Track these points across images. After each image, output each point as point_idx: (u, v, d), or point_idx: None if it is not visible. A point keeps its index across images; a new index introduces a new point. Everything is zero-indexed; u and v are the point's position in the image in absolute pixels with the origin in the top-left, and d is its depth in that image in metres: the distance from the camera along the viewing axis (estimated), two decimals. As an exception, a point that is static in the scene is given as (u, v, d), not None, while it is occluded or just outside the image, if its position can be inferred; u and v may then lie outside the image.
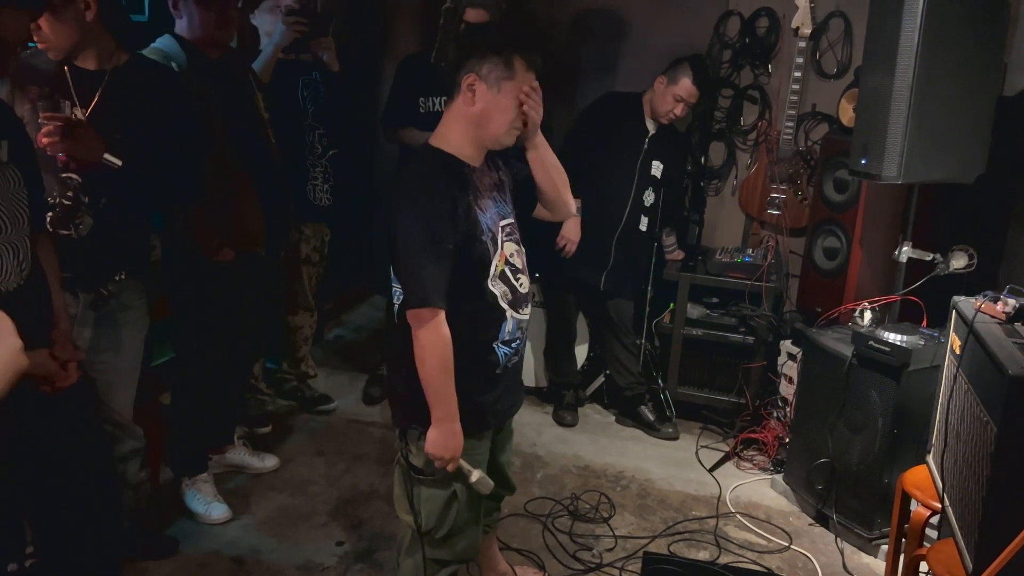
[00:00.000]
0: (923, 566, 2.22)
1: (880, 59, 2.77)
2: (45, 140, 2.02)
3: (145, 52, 2.54)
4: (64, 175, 2.12)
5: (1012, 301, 1.99)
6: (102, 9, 2.13)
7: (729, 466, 3.49)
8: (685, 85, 3.46)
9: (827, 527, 3.04)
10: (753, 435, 3.56)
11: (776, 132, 3.99)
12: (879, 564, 2.84)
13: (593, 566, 2.77)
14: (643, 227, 3.67)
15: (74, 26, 2.11)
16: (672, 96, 3.48)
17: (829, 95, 3.90)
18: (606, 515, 3.06)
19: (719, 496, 3.24)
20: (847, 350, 2.91)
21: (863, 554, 2.91)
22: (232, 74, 2.72)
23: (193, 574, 2.59)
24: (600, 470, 3.40)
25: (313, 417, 3.68)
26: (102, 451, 2.25)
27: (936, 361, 2.65)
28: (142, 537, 2.64)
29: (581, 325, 3.92)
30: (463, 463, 1.99)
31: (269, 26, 3.11)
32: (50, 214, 2.11)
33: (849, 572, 2.82)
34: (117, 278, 2.29)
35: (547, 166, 2.11)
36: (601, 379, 4.02)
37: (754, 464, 3.48)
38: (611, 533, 2.95)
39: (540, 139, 2.06)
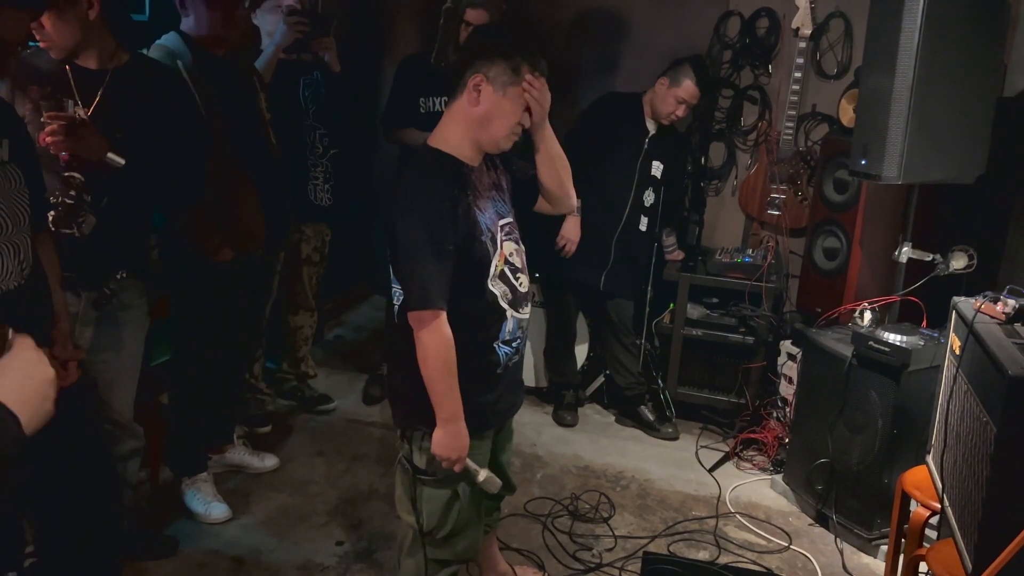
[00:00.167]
0: (923, 566, 2.22)
1: (880, 59, 2.77)
2: (48, 139, 2.02)
3: (150, 49, 2.55)
4: (66, 174, 2.12)
5: (1012, 302, 1.99)
6: (104, 8, 2.14)
7: (729, 466, 3.50)
8: (688, 87, 3.47)
9: (827, 527, 3.04)
10: (753, 435, 3.56)
11: (776, 132, 3.99)
12: (879, 564, 2.84)
13: (593, 566, 2.77)
14: (643, 227, 3.67)
15: (76, 25, 2.11)
16: (674, 98, 3.48)
17: (829, 95, 3.91)
18: (606, 515, 3.07)
19: (719, 496, 3.24)
20: (847, 350, 2.91)
21: (863, 554, 2.91)
22: (236, 73, 2.72)
23: (193, 574, 2.59)
24: (600, 470, 3.40)
25: (313, 417, 3.68)
26: (102, 450, 2.25)
27: (936, 361, 2.65)
28: (142, 537, 2.65)
29: (581, 325, 3.92)
30: (470, 463, 1.99)
31: (271, 26, 3.11)
32: (52, 213, 2.10)
33: (849, 572, 2.82)
34: (118, 277, 2.29)
35: (553, 158, 2.11)
36: (601, 379, 4.02)
37: (754, 464, 3.48)
38: (611, 533, 2.95)
39: (548, 129, 2.07)
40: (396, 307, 2.01)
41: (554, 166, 2.13)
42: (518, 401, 2.24)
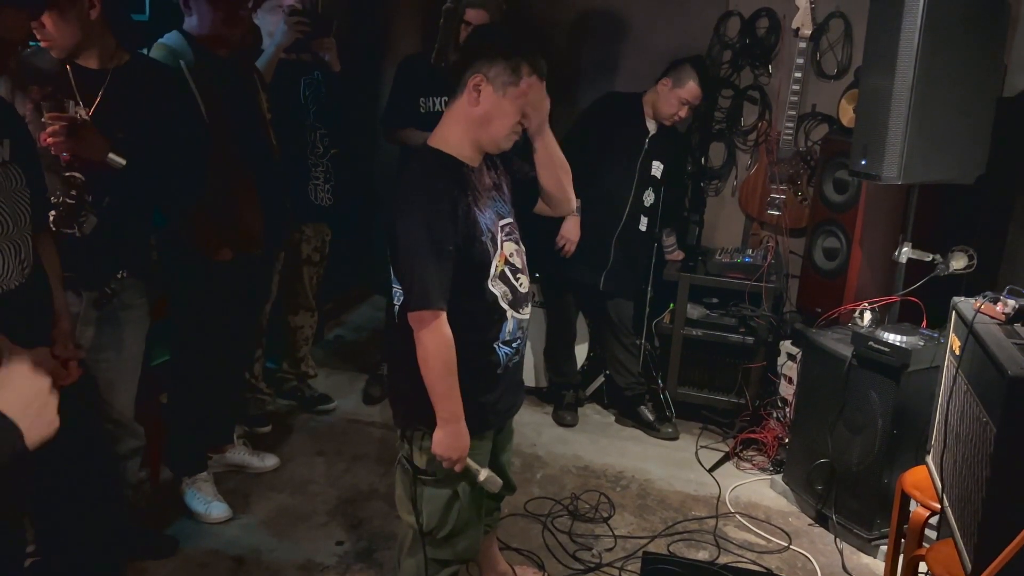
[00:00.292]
0: (922, 566, 2.22)
1: (880, 60, 2.77)
2: (50, 140, 2.03)
3: (153, 47, 2.56)
4: (67, 174, 2.13)
5: (1012, 302, 1.99)
6: (105, 8, 2.14)
7: (729, 466, 3.50)
8: (691, 88, 3.48)
9: (826, 527, 3.04)
10: (753, 435, 3.56)
11: (776, 133, 3.99)
12: (878, 564, 2.85)
13: (593, 566, 2.77)
14: (643, 227, 3.68)
15: (77, 25, 2.11)
16: (677, 99, 3.49)
17: (829, 96, 3.91)
18: (606, 515, 3.07)
19: (719, 496, 3.24)
20: (847, 351, 2.91)
21: (862, 554, 2.91)
22: (238, 73, 2.73)
23: (193, 574, 2.60)
24: (600, 470, 3.41)
25: (313, 417, 3.68)
26: (103, 450, 2.25)
27: (936, 362, 2.65)
28: (142, 536, 2.65)
29: (581, 325, 3.92)
30: (471, 463, 2.00)
31: (271, 26, 3.11)
32: (53, 213, 2.11)
33: (848, 572, 2.82)
34: (119, 276, 2.29)
35: (553, 160, 2.11)
36: (601, 379, 4.02)
37: (754, 464, 3.49)
38: (611, 533, 2.96)
39: (547, 134, 2.07)
40: (397, 307, 2.01)
41: (554, 169, 2.12)
42: (518, 401, 2.24)
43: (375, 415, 3.74)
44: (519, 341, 2.09)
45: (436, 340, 1.89)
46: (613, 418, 3.90)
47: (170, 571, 2.59)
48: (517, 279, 2.05)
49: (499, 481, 2.07)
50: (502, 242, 2.02)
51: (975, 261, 2.88)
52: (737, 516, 3.12)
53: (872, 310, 2.93)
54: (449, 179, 1.95)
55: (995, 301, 2.02)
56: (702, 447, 3.64)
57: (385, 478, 3.16)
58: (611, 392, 3.95)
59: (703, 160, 4.23)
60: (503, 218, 2.06)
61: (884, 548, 2.79)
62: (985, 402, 1.84)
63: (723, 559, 2.83)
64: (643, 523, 3.04)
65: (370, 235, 4.57)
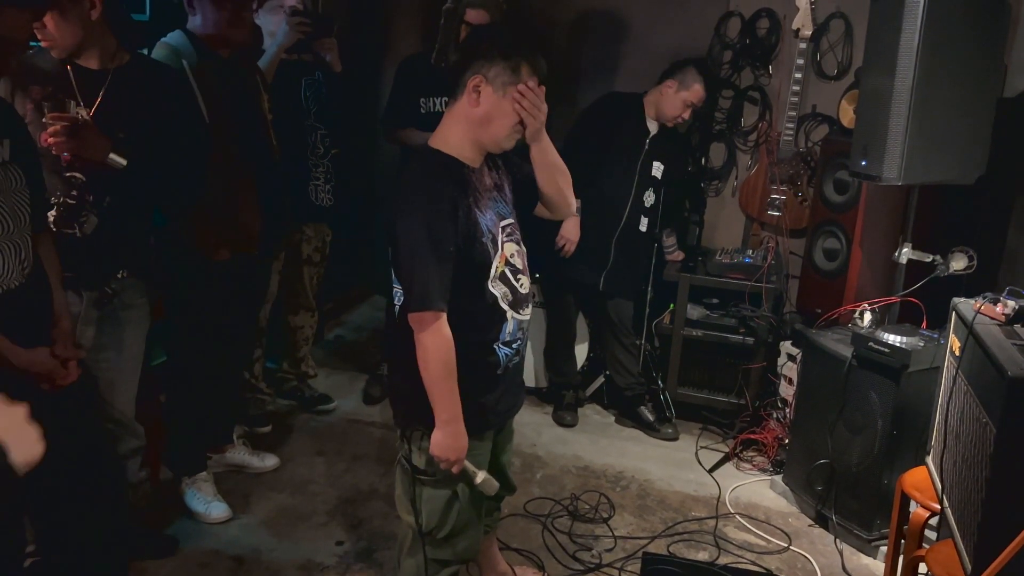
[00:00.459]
0: (922, 567, 2.22)
1: (880, 60, 2.77)
2: (51, 140, 2.03)
3: (156, 46, 2.56)
4: (68, 174, 2.13)
5: (1012, 303, 1.99)
6: (106, 8, 2.14)
7: (729, 467, 3.50)
8: (697, 90, 3.49)
9: (826, 528, 3.04)
10: (753, 436, 3.56)
11: (776, 133, 3.99)
12: (878, 565, 2.85)
13: (592, 566, 2.77)
14: (643, 227, 3.67)
15: (79, 25, 2.11)
16: (683, 101, 3.50)
17: (829, 96, 3.91)
18: (606, 515, 3.07)
19: (718, 497, 3.24)
20: (847, 351, 2.91)
21: (862, 555, 2.92)
22: (240, 73, 2.73)
23: (193, 573, 2.60)
24: (600, 470, 3.41)
25: (313, 417, 3.68)
26: (103, 449, 2.25)
27: (936, 362, 2.65)
28: (142, 536, 2.65)
29: (581, 325, 3.92)
30: (468, 464, 1.99)
31: (272, 26, 3.12)
32: (53, 213, 2.11)
33: (848, 573, 2.82)
34: (119, 276, 2.29)
35: (551, 167, 2.10)
36: (601, 379, 4.02)
37: (753, 465, 3.49)
38: (611, 533, 2.96)
39: (544, 140, 2.05)
40: (397, 307, 2.01)
41: (552, 175, 2.11)
42: (519, 402, 2.24)
43: (375, 415, 3.74)
44: (519, 342, 2.09)
45: (436, 341, 1.89)
46: (613, 418, 3.90)
47: (170, 571, 2.59)
48: (518, 280, 2.05)
49: (496, 484, 2.07)
50: (503, 243, 2.02)
51: (975, 262, 2.88)
52: (737, 517, 3.12)
53: (872, 311, 2.93)
54: (449, 180, 1.95)
55: (995, 302, 2.02)
56: (702, 447, 3.64)
57: (385, 478, 3.16)
58: (611, 392, 3.95)
59: (703, 160, 4.24)
60: (504, 219, 2.06)
61: (884, 549, 2.79)
62: (985, 403, 1.84)
63: (723, 560, 2.83)
64: (643, 523, 3.04)
65: (370, 235, 4.57)
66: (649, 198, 3.66)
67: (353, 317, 4.92)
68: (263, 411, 3.50)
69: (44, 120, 2.05)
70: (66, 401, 2.00)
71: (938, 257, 2.94)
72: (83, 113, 2.13)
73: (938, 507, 2.16)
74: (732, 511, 3.15)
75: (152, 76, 2.33)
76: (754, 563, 2.83)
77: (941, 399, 2.22)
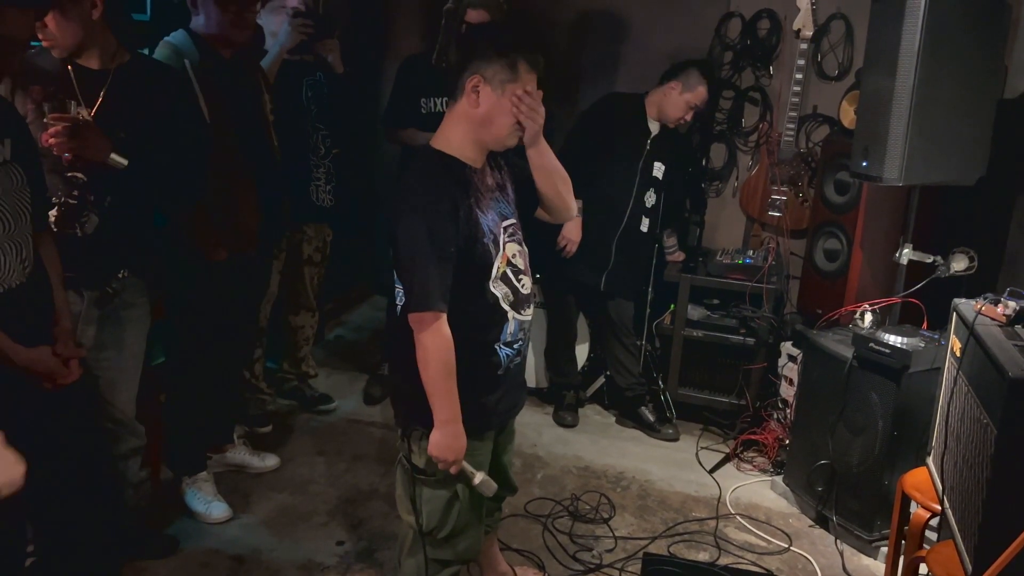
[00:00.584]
0: (923, 568, 2.22)
1: (881, 61, 2.77)
2: (52, 140, 2.03)
3: (159, 45, 2.56)
4: (69, 174, 2.13)
5: (1012, 303, 1.99)
6: (107, 8, 2.14)
7: (729, 467, 3.50)
8: (701, 93, 3.50)
9: (827, 529, 3.04)
10: (753, 436, 3.56)
11: (777, 134, 3.99)
12: (879, 566, 2.85)
13: (593, 567, 2.77)
14: (644, 228, 3.67)
15: (80, 24, 2.11)
16: (686, 103, 3.51)
17: (830, 97, 3.91)
18: (606, 516, 3.07)
19: (719, 497, 3.24)
20: (847, 352, 2.91)
21: (863, 556, 2.91)
22: (242, 74, 2.73)
23: (193, 573, 2.60)
24: (600, 471, 3.41)
25: (313, 417, 3.68)
26: (103, 449, 2.26)
27: (936, 363, 2.65)
28: (142, 536, 2.65)
29: (582, 326, 3.92)
30: (466, 465, 1.99)
31: (274, 26, 3.12)
32: (54, 213, 2.11)
33: (849, 574, 2.82)
34: (121, 276, 2.29)
35: (549, 171, 2.09)
36: (601, 380, 4.02)
37: (754, 465, 3.48)
38: (611, 534, 2.96)
39: (542, 144, 2.04)
40: (398, 307, 2.01)
41: (551, 179, 2.10)
42: (520, 402, 2.24)
43: (375, 415, 3.74)
44: (521, 342, 2.08)
45: (436, 341, 1.89)
46: (614, 419, 3.90)
47: (170, 571, 2.59)
48: (519, 280, 2.05)
49: (494, 485, 2.07)
50: (504, 243, 2.02)
51: (976, 263, 2.88)
52: (737, 517, 3.11)
53: (873, 311, 2.93)
54: (450, 180, 1.95)
55: (996, 303, 2.02)
56: (703, 448, 3.64)
57: (386, 478, 3.17)
58: (612, 393, 3.95)
59: (704, 161, 4.24)
60: (506, 219, 2.05)
61: (884, 549, 2.79)
62: (986, 403, 1.84)
63: (723, 560, 2.83)
64: (643, 524, 3.04)
65: (371, 235, 4.57)
66: (650, 199, 3.66)
67: (354, 317, 4.92)
68: (263, 411, 3.50)
69: (45, 120, 2.05)
70: (67, 400, 2.00)
71: (939, 258, 2.94)
72: (84, 113, 2.13)
73: (939, 508, 2.16)
74: (733, 512, 3.15)
75: (153, 76, 2.33)
76: (755, 564, 2.83)
77: (942, 400, 2.22)
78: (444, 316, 1.90)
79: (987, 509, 1.74)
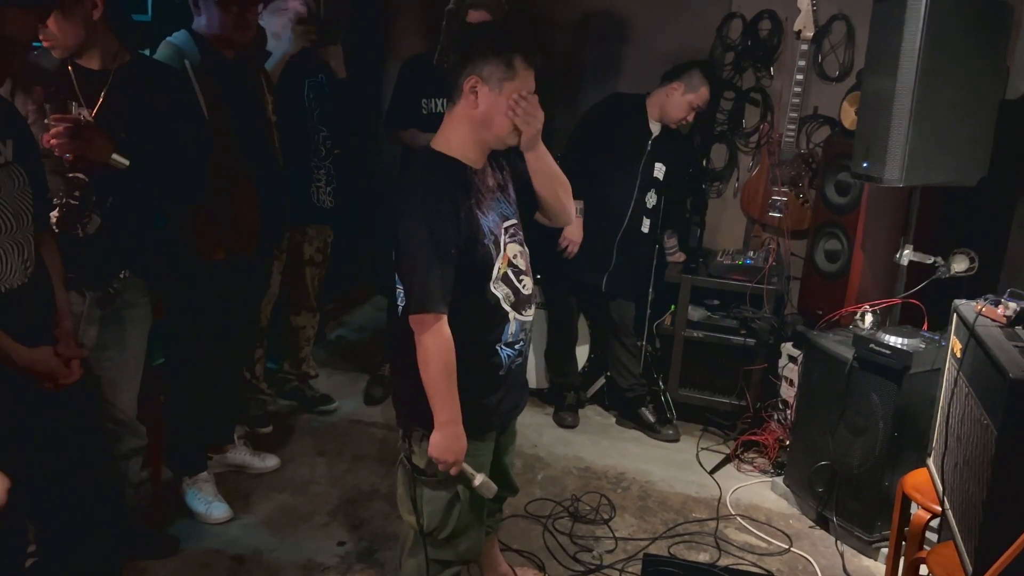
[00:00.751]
0: (923, 569, 2.23)
1: (882, 62, 2.77)
2: (54, 141, 2.03)
3: (160, 46, 2.56)
4: (71, 175, 2.13)
5: (1013, 305, 1.99)
6: (107, 8, 2.14)
7: (730, 468, 3.50)
8: (704, 94, 3.51)
9: (827, 530, 3.04)
10: (754, 437, 3.56)
11: (778, 134, 3.99)
12: (879, 567, 2.85)
13: (593, 567, 2.77)
14: (645, 229, 3.67)
15: (81, 25, 2.11)
16: (688, 104, 3.51)
17: (831, 98, 3.91)
18: (606, 516, 3.07)
19: (719, 498, 3.24)
20: (848, 353, 2.91)
21: (863, 557, 2.91)
22: (244, 75, 2.73)
23: (194, 573, 2.60)
24: (601, 471, 3.41)
25: (314, 417, 3.68)
26: (105, 449, 2.26)
27: (937, 364, 2.65)
28: (143, 536, 2.65)
29: (582, 326, 3.92)
30: (466, 467, 1.99)
31: (276, 27, 3.12)
32: (56, 214, 2.11)
33: (849, 575, 2.82)
34: (122, 276, 2.30)
35: (547, 175, 2.08)
36: (602, 380, 4.02)
37: (754, 466, 3.48)
38: (611, 535, 2.96)
39: (540, 148, 2.03)
40: (400, 308, 2.01)
41: (550, 184, 2.09)
42: (521, 403, 2.24)
43: (376, 415, 3.74)
44: (522, 343, 2.08)
45: (436, 343, 1.89)
46: (614, 419, 3.90)
47: (171, 571, 2.60)
48: (520, 281, 2.05)
49: (494, 486, 2.07)
50: (505, 244, 2.02)
51: (976, 264, 2.88)
52: (738, 518, 3.11)
53: (873, 312, 2.93)
54: (451, 181, 1.95)
55: (996, 304, 2.02)
56: (703, 449, 3.64)
57: (386, 478, 3.17)
58: (612, 394, 3.95)
59: (705, 162, 4.24)
60: (507, 219, 2.05)
61: (885, 551, 2.79)
62: (986, 404, 1.84)
63: (724, 561, 2.83)
64: (644, 525, 3.04)
65: (372, 236, 4.57)
66: (651, 199, 3.67)
67: (354, 317, 4.92)
68: (264, 411, 3.50)
69: (46, 121, 2.06)
70: (68, 400, 2.00)
71: (939, 259, 2.94)
72: (85, 114, 2.14)
73: (939, 509, 2.16)
74: (733, 512, 3.15)
75: (153, 76, 2.33)
76: (755, 565, 2.83)
77: (942, 401, 2.22)
78: (444, 317, 1.90)
79: (988, 510, 1.74)
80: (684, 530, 3.01)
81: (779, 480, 3.31)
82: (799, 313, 3.81)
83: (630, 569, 2.77)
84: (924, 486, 2.32)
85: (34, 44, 2.11)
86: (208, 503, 2.86)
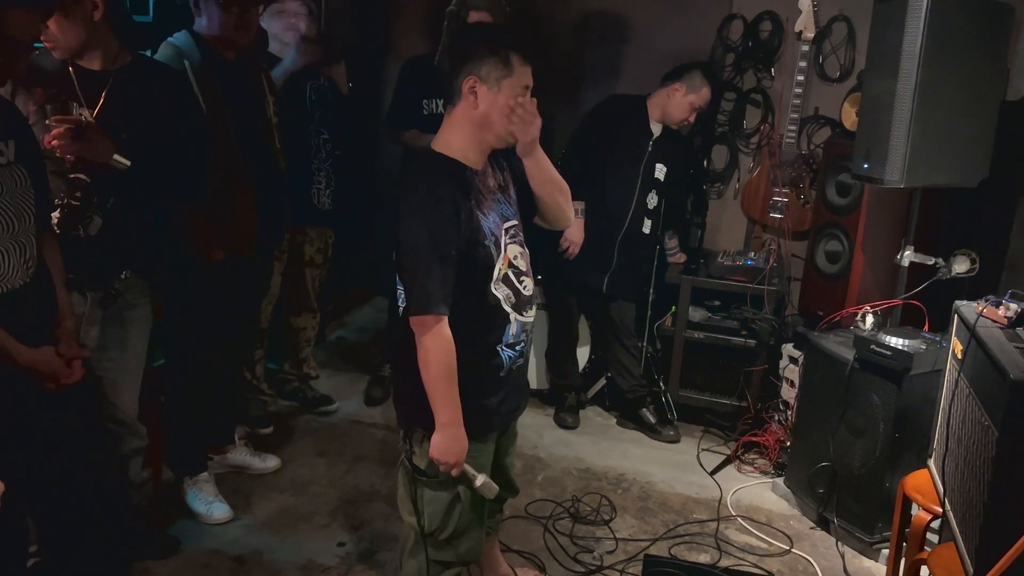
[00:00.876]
0: (924, 570, 2.22)
1: (883, 63, 2.77)
2: (55, 142, 2.03)
3: (160, 47, 2.56)
4: (72, 176, 2.13)
5: (1014, 305, 1.99)
6: (108, 9, 2.14)
7: (730, 469, 3.50)
8: (705, 95, 3.51)
9: (828, 531, 3.04)
10: (754, 438, 3.56)
11: (779, 135, 3.99)
12: (880, 568, 2.84)
13: (594, 568, 2.77)
14: (646, 230, 3.67)
15: (82, 26, 2.11)
16: (690, 104, 3.51)
17: (832, 99, 3.91)
18: (607, 517, 3.07)
19: (720, 499, 3.24)
20: (849, 354, 2.91)
21: (864, 558, 2.91)
22: (245, 76, 2.73)
23: (194, 574, 2.60)
24: (601, 472, 3.40)
25: (315, 418, 3.68)
26: (106, 449, 2.26)
27: (938, 365, 2.65)
28: (144, 536, 2.65)
29: (583, 327, 3.92)
30: (467, 468, 1.99)
31: (276, 29, 3.13)
32: (57, 214, 2.11)
33: (850, 576, 2.82)
34: (123, 276, 2.30)
35: (545, 180, 2.08)
36: (602, 381, 4.02)
37: (755, 467, 3.48)
38: (612, 535, 2.96)
39: (538, 153, 2.03)
40: (401, 309, 2.01)
41: (549, 188, 2.10)
42: (522, 404, 2.24)
43: (377, 416, 3.74)
44: (523, 344, 2.08)
45: (436, 344, 1.89)
46: (615, 420, 3.90)
47: (171, 571, 2.60)
48: (521, 282, 2.05)
49: (495, 487, 2.07)
50: (506, 245, 2.02)
51: (977, 265, 2.88)
52: (738, 519, 3.11)
53: (874, 313, 2.93)
54: (451, 183, 1.95)
55: (997, 305, 2.02)
56: (704, 450, 3.64)
57: (387, 479, 3.17)
58: (613, 394, 3.95)
59: (706, 163, 4.24)
60: (508, 220, 2.05)
61: (886, 552, 2.78)
62: (987, 405, 1.84)
63: (724, 562, 2.83)
64: (644, 526, 3.04)
65: (372, 237, 4.57)
66: (652, 200, 3.67)
67: (355, 318, 4.92)
68: (265, 412, 3.50)
69: (48, 122, 2.06)
70: (70, 400, 2.00)
71: (940, 260, 2.94)
72: (86, 115, 2.14)
73: (940, 510, 2.16)
74: (733, 513, 3.15)
75: (154, 77, 2.33)
76: (755, 566, 2.83)
77: (943, 402, 2.22)
78: (445, 319, 1.90)
79: (988, 511, 1.74)
80: (685, 531, 3.01)
81: (780, 481, 3.31)
82: (800, 314, 3.81)
83: (631, 570, 2.77)
84: (925, 487, 2.31)
85: (35, 45, 2.11)
86: (209, 503, 2.86)
